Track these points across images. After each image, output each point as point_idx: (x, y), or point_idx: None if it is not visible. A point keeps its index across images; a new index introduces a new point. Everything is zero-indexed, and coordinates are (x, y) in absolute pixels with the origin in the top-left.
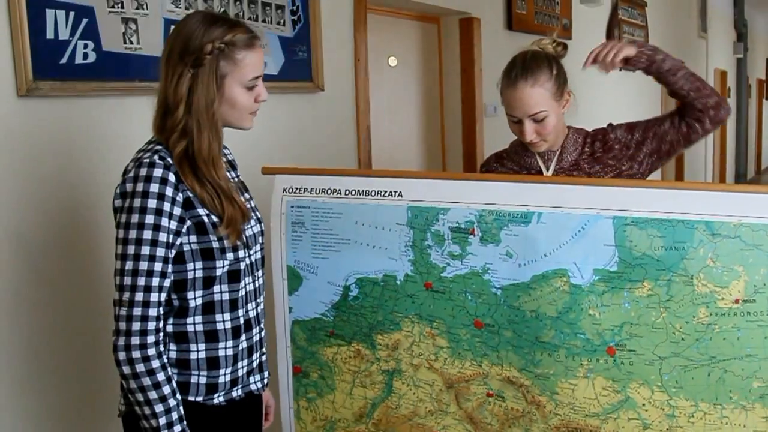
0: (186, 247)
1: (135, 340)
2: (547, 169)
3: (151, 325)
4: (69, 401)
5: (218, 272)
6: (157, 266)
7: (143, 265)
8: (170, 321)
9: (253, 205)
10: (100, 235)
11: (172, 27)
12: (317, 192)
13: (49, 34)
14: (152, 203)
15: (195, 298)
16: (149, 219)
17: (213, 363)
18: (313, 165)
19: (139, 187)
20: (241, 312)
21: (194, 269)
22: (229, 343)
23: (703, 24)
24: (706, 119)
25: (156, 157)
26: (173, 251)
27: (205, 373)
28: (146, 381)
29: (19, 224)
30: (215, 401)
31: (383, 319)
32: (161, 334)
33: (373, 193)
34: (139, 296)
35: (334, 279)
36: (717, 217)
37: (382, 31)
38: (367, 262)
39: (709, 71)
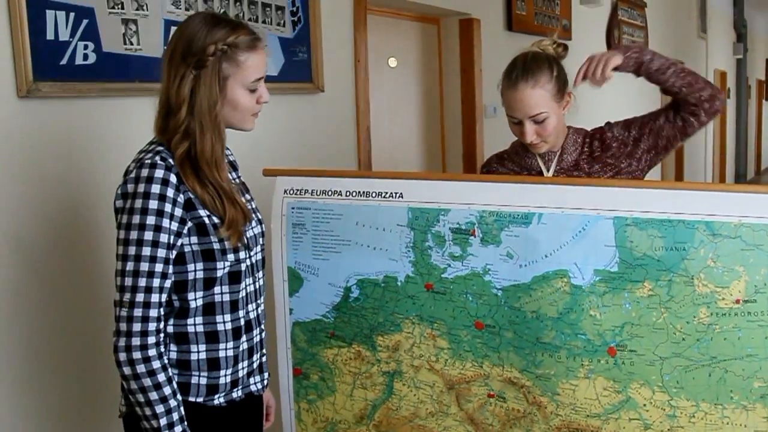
0: (187, 248)
1: (135, 341)
2: (548, 170)
3: (152, 326)
4: (69, 401)
5: (219, 273)
6: (158, 267)
7: (144, 266)
8: (171, 322)
9: (254, 206)
10: (101, 236)
11: (173, 28)
12: (318, 193)
13: (50, 35)
14: (153, 204)
15: (195, 299)
16: (150, 220)
17: (213, 364)
18: (313, 165)
19: (141, 188)
20: (241, 313)
21: (195, 270)
22: (230, 344)
23: (702, 24)
24: (701, 112)
25: (157, 158)
26: (174, 252)
27: (205, 374)
28: (147, 382)
29: (19, 225)
30: (215, 402)
31: (384, 321)
32: (162, 334)
33: (374, 195)
34: (139, 297)
35: (335, 280)
36: (717, 217)
37: (382, 31)
38: (368, 263)
39: (709, 72)
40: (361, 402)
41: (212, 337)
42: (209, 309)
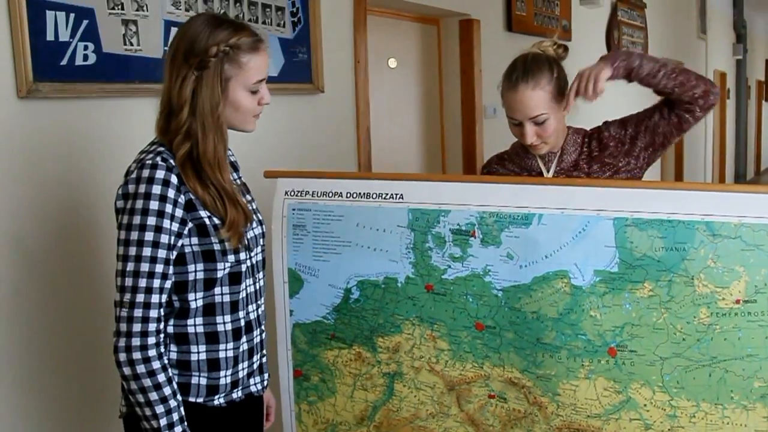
0: (187, 249)
1: (135, 342)
2: (548, 171)
3: (152, 327)
4: (69, 401)
5: (219, 274)
6: (158, 268)
7: (144, 267)
8: (171, 322)
9: (254, 207)
10: (101, 236)
11: (173, 29)
12: (319, 195)
13: (50, 36)
14: (154, 205)
15: (196, 300)
16: (151, 220)
17: (213, 364)
18: (313, 165)
19: (141, 188)
20: (241, 314)
21: (195, 271)
22: (230, 345)
23: (702, 25)
24: (696, 108)
25: (158, 158)
26: (174, 253)
27: (205, 374)
28: (147, 382)
29: (19, 225)
30: (215, 402)
31: (384, 322)
32: (162, 335)
33: (374, 196)
34: (139, 297)
35: (335, 282)
36: (717, 217)
37: (381, 32)
38: (368, 264)
39: (709, 72)
40: (362, 403)
41: (212, 338)
42: (209, 310)
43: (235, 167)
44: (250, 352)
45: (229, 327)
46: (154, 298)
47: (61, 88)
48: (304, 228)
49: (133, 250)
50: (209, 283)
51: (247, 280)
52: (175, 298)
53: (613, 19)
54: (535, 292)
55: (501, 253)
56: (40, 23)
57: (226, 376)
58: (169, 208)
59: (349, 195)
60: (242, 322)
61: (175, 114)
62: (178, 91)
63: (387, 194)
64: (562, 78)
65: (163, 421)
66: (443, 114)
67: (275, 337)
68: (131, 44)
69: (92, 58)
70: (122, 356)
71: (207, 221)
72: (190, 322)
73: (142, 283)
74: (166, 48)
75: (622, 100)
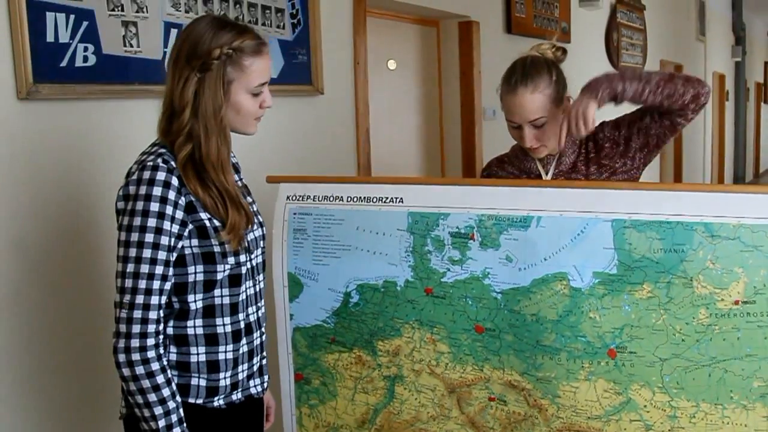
0: (187, 251)
1: (135, 343)
2: (546, 173)
3: (151, 328)
4: (69, 401)
5: (219, 276)
6: (158, 269)
7: (144, 268)
8: (171, 324)
9: (255, 209)
10: (101, 236)
11: (172, 30)
12: (320, 199)
13: (50, 37)
14: (155, 206)
15: (195, 301)
16: (151, 222)
17: (213, 366)
18: (312, 167)
19: (142, 190)
20: (241, 316)
21: (195, 272)
22: (230, 347)
23: (701, 27)
24: (687, 112)
25: (159, 160)
26: (174, 254)
27: (205, 376)
28: (146, 383)
29: (19, 226)
30: (215, 404)
31: (384, 326)
32: (161, 336)
33: (374, 200)
34: (139, 299)
35: (335, 285)
36: (716, 218)
37: (381, 34)
38: (368, 268)
39: (708, 74)
40: (363, 406)
41: (212, 340)
42: (209, 311)
43: (236, 169)
44: (250, 354)
45: (228, 329)
46: (154, 300)
47: (60, 89)
48: (304, 232)
49: (133, 252)
50: (209, 285)
51: (247, 282)
52: (174, 299)
53: (612, 21)
54: (535, 294)
55: (500, 255)
56: (40, 25)
57: (225, 378)
58: (169, 209)
59: (349, 199)
60: (242, 324)
61: (177, 115)
62: (180, 93)
63: (387, 198)
64: (560, 81)
65: (161, 423)
66: (443, 115)
67: (276, 341)
68: (131, 46)
69: (92, 60)
70: (121, 357)
71: (207, 223)
72: (189, 323)
73: (142, 284)
74: (165, 49)
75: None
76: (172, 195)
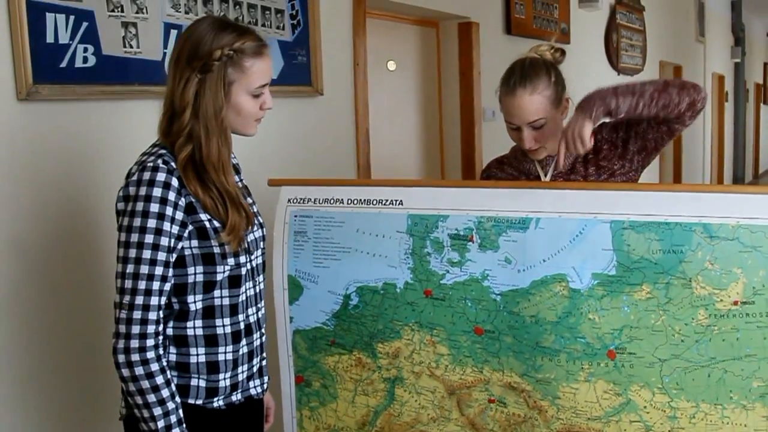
0: (187, 252)
1: (134, 343)
2: (545, 175)
3: (151, 329)
4: (70, 402)
5: (219, 277)
6: (158, 270)
7: (144, 269)
8: (170, 324)
9: (255, 210)
10: (100, 237)
11: (172, 31)
12: (320, 201)
13: (49, 38)
14: (155, 207)
15: (195, 302)
16: (151, 223)
17: (213, 367)
18: (311, 168)
19: (142, 191)
20: (241, 317)
21: (195, 273)
22: (229, 348)
23: (700, 28)
24: (684, 118)
25: (160, 161)
26: (174, 255)
27: (204, 376)
28: (145, 384)
29: (19, 226)
30: (215, 405)
31: (383, 328)
32: (161, 337)
33: (374, 202)
34: (139, 300)
35: (335, 288)
36: (715, 219)
37: (381, 35)
38: (367, 270)
39: (707, 75)
40: (363, 408)
41: (211, 341)
42: (209, 312)
43: (237, 170)
44: (250, 355)
45: (228, 330)
46: (154, 300)
47: (60, 90)
48: (305, 234)
49: (132, 252)
50: (209, 286)
51: (247, 284)
52: (174, 300)
53: (611, 21)
54: (534, 296)
55: (499, 257)
56: (40, 25)
57: (225, 379)
58: (169, 210)
59: (350, 201)
60: (242, 325)
61: (178, 116)
62: (180, 94)
63: (387, 200)
64: (559, 82)
65: (161, 423)
66: (442, 116)
67: (276, 344)
68: (131, 46)
69: (92, 61)
70: (121, 358)
71: (207, 224)
72: (189, 324)
73: (142, 285)
74: (165, 50)
75: None
76: (172, 196)
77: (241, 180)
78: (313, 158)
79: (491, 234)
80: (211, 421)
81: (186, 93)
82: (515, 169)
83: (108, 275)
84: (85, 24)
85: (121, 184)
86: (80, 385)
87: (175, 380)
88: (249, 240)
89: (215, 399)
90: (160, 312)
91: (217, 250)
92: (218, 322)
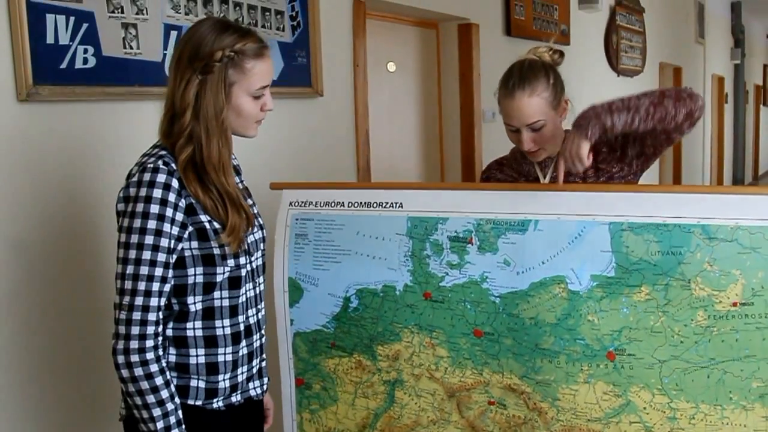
0: (187, 253)
1: (134, 344)
2: (544, 176)
3: (150, 330)
4: (69, 402)
5: (219, 278)
6: (158, 271)
7: (144, 270)
8: (170, 325)
9: (255, 211)
10: (100, 237)
11: (172, 32)
12: (321, 204)
13: (49, 39)
14: (155, 208)
15: (195, 303)
16: (151, 224)
17: (212, 368)
18: (311, 169)
19: (143, 192)
20: (241, 318)
21: (195, 274)
22: (229, 349)
23: (700, 30)
24: (682, 128)
25: (160, 162)
26: (174, 256)
27: (204, 377)
28: (144, 385)
29: (19, 227)
30: (214, 405)
31: (383, 330)
32: (160, 338)
33: (375, 205)
34: (138, 301)
35: (335, 290)
36: (714, 220)
37: (381, 36)
38: (367, 272)
39: (707, 77)
40: (363, 411)
41: (211, 342)
42: (209, 313)
43: (237, 171)
44: (250, 357)
45: (228, 331)
46: (153, 301)
47: (60, 91)
48: (305, 237)
49: (132, 253)
50: (209, 287)
51: (247, 285)
52: (174, 301)
53: (611, 23)
54: (533, 298)
55: (498, 259)
56: (40, 27)
57: (224, 380)
58: (169, 212)
59: (351, 204)
60: (242, 327)
61: (178, 117)
62: (181, 95)
63: (387, 203)
64: (558, 84)
65: (160, 424)
66: (442, 117)
67: (276, 346)
68: (131, 48)
69: (92, 62)
70: (120, 359)
71: (207, 225)
72: (189, 325)
73: (141, 286)
74: (165, 51)
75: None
76: (172, 197)
77: (241, 181)
78: (312, 159)
79: (490, 236)
80: (210, 422)
81: (187, 94)
82: (515, 170)
83: (108, 276)
84: (85, 25)
85: (122, 185)
86: (80, 386)
87: (175, 381)
88: (249, 241)
89: (215, 400)
90: (160, 313)
91: (217, 251)
92: (218, 323)
